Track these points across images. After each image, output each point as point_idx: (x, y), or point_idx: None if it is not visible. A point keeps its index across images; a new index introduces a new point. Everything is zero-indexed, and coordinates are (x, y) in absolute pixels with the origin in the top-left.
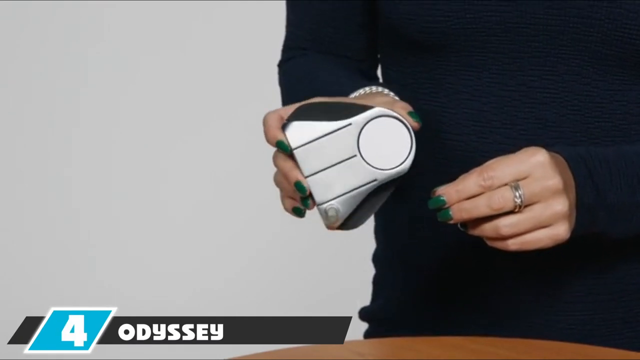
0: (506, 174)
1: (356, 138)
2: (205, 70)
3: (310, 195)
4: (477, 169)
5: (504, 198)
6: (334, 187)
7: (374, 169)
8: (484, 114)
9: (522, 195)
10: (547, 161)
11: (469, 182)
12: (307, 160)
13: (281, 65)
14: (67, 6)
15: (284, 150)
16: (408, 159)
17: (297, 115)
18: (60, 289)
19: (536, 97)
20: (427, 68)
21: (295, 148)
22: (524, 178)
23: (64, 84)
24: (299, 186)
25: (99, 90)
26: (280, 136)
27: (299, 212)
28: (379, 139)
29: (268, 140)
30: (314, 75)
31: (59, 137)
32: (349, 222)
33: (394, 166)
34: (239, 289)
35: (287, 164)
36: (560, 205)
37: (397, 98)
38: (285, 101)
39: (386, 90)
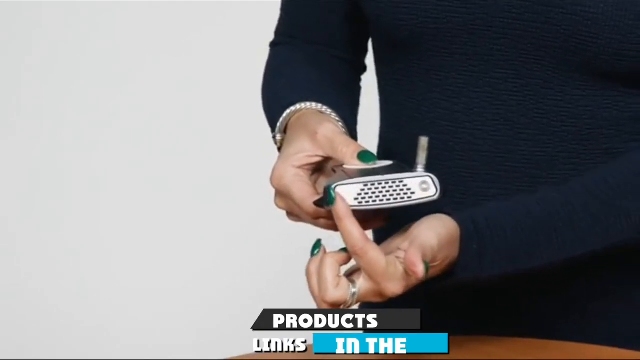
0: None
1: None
2: (202, 73)
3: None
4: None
5: (334, 297)
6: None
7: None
8: (455, 114)
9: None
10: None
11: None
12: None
13: (271, 45)
14: (68, 6)
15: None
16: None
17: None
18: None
19: (503, 99)
20: (405, 65)
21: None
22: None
23: (56, 86)
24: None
25: (92, 96)
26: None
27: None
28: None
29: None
30: (277, 79)
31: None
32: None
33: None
34: (240, 289)
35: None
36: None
37: (342, 124)
38: (262, 87)
39: (329, 111)
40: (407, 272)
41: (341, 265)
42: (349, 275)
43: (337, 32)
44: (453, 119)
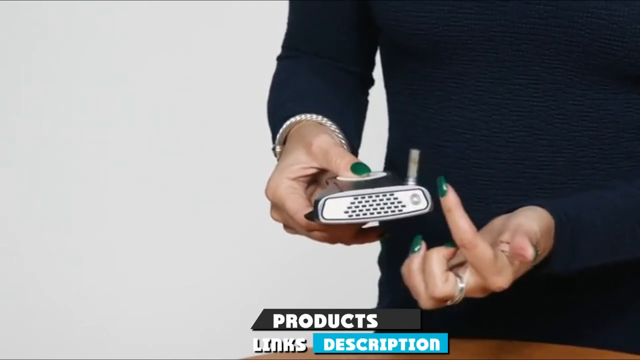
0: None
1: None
2: (202, 74)
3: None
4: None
5: (444, 292)
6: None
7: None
8: (474, 122)
9: (462, 290)
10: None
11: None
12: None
13: (278, 60)
14: (68, 6)
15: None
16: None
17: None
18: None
19: (523, 105)
20: (419, 75)
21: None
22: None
23: (57, 86)
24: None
25: (93, 96)
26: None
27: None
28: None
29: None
30: (282, 91)
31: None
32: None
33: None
34: (240, 289)
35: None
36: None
37: (341, 136)
38: (268, 100)
39: (328, 122)
40: (512, 262)
41: (448, 260)
42: (451, 269)
43: (345, 45)
44: (471, 126)
